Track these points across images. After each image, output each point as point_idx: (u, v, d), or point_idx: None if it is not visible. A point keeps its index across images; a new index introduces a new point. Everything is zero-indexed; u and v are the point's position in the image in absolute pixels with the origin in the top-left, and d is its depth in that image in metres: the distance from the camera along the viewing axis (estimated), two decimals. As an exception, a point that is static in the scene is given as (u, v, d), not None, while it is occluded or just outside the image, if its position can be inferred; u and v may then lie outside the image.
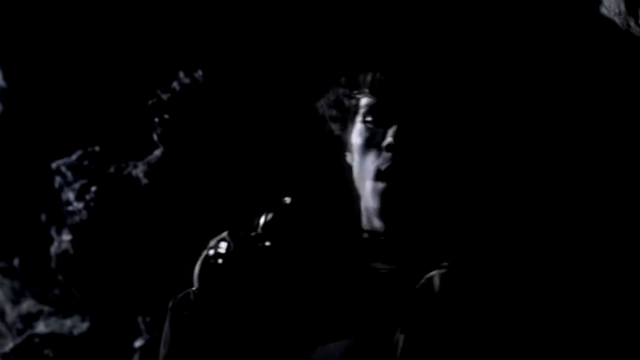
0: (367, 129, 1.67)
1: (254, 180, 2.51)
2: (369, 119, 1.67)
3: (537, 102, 1.90)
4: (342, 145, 1.80)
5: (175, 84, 2.60)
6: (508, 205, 1.70)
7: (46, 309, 2.90)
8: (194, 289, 1.54)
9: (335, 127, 1.84)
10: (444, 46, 1.79)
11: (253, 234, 1.50)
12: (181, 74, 2.62)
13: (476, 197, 1.62)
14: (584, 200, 1.87)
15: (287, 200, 1.54)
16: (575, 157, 1.93)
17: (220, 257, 1.51)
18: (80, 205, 2.69)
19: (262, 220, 1.51)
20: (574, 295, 1.51)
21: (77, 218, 2.71)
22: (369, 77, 1.69)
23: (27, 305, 2.90)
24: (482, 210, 1.63)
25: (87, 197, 2.68)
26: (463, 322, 1.39)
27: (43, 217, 2.89)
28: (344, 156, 1.77)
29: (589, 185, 1.90)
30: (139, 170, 2.62)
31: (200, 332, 1.52)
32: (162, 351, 1.54)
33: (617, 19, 1.74)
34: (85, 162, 2.78)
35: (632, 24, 1.69)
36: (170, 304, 1.57)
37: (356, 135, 1.71)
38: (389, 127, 1.59)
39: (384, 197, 1.55)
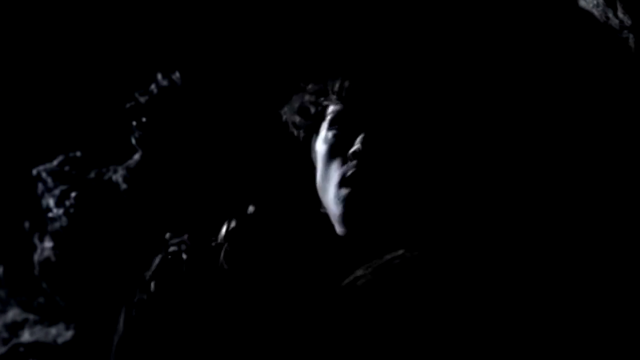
0: (333, 136, 1.66)
1: (229, 185, 2.45)
2: (334, 126, 1.65)
3: (509, 101, 1.85)
4: (307, 152, 1.80)
5: (153, 87, 2.55)
6: (474, 211, 1.67)
7: (31, 317, 2.85)
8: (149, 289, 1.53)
9: (299, 134, 1.81)
10: (411, 53, 1.79)
11: (213, 242, 1.50)
12: (159, 76, 2.57)
13: (441, 203, 1.60)
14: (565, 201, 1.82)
15: (251, 209, 1.52)
16: (554, 154, 1.87)
17: (176, 263, 1.50)
18: (60, 211, 2.64)
19: (224, 228, 1.50)
20: (566, 297, 1.49)
21: (57, 225, 2.67)
22: (337, 85, 1.68)
23: (13, 314, 2.86)
24: (447, 215, 1.61)
25: (67, 203, 2.63)
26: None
27: (27, 224, 2.83)
28: (308, 163, 1.78)
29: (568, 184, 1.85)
30: (118, 175, 2.56)
31: (150, 335, 1.50)
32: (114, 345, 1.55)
33: (595, 11, 1.71)
34: (66, 168, 2.74)
35: (610, 15, 1.67)
36: (124, 305, 1.57)
37: (320, 142, 1.71)
38: (356, 134, 1.59)
39: (348, 204, 1.53)
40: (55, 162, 2.76)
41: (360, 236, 1.55)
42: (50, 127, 2.84)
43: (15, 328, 2.94)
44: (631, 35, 1.67)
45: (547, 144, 1.85)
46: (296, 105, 1.82)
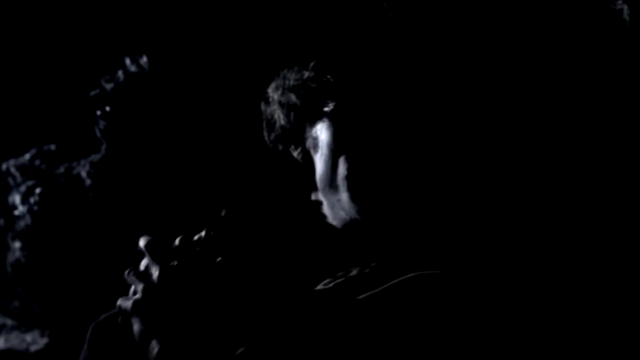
0: (339, 124, 1.50)
1: (200, 180, 2.20)
2: (343, 111, 1.50)
3: (504, 96, 1.79)
4: (293, 140, 1.60)
5: (120, 73, 2.31)
6: (486, 208, 1.61)
7: (9, 322, 2.65)
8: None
9: (288, 117, 1.56)
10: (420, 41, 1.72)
11: (185, 255, 1.33)
12: (127, 61, 2.33)
13: (462, 200, 1.53)
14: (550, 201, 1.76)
15: (223, 213, 1.46)
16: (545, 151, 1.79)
17: (150, 287, 1.31)
18: (25, 209, 2.42)
19: (196, 237, 1.37)
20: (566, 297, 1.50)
21: (22, 223, 2.45)
22: (345, 60, 1.54)
23: None
24: (471, 212, 1.55)
25: (32, 200, 2.41)
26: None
27: (2, 222, 2.63)
28: (296, 153, 1.60)
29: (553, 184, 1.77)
30: (83, 170, 2.33)
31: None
32: None
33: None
34: (37, 162, 2.53)
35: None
36: (92, 325, 1.45)
37: (325, 129, 1.52)
38: (366, 123, 1.47)
39: (362, 189, 1.45)
40: (27, 156, 2.55)
41: (373, 222, 1.46)
42: (25, 119, 2.61)
43: (-7, 333, 2.75)
44: (626, 7, 1.60)
45: (544, 139, 1.79)
46: (291, 82, 1.55)
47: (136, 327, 1.29)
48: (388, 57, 1.54)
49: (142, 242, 1.33)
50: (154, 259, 1.31)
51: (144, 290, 1.29)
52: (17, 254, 2.53)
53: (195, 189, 2.25)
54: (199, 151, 2.25)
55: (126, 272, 1.33)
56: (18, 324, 2.75)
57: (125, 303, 1.31)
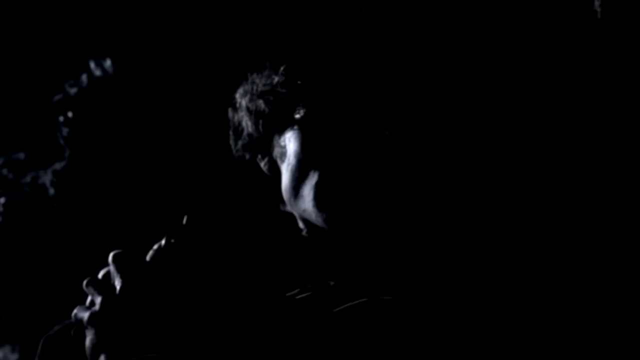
0: (309, 133, 1.44)
1: (165, 187, 2.11)
2: (312, 121, 1.44)
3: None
4: (260, 150, 1.53)
5: (84, 77, 2.22)
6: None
7: None
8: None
9: (257, 124, 1.52)
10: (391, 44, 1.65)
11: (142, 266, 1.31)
12: (92, 65, 2.23)
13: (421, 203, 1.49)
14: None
15: (185, 219, 1.39)
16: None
17: (109, 299, 1.27)
18: (-12, 220, 2.34)
19: (155, 247, 1.35)
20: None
21: (-15, 234, 2.36)
22: (318, 63, 1.47)
23: None
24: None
25: (-5, 211, 2.33)
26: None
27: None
28: (262, 163, 1.54)
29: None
30: (47, 179, 2.24)
31: None
32: None
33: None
34: (4, 171, 2.44)
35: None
36: (43, 338, 1.40)
37: (293, 139, 1.47)
38: (336, 132, 1.42)
39: (332, 199, 1.41)
40: (-5, 165, 2.46)
41: (338, 229, 1.42)
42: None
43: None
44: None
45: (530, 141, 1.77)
46: (259, 87, 1.46)
47: (88, 339, 1.25)
48: (362, 63, 1.49)
49: (110, 255, 1.30)
50: (118, 271, 1.27)
51: (102, 303, 1.25)
52: (-16, 266, 2.44)
53: (160, 195, 2.14)
54: (164, 157, 2.15)
55: (85, 281, 1.29)
56: (-9, 338, 2.66)
57: (82, 314, 1.27)
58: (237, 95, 1.55)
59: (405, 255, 1.45)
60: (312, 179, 1.43)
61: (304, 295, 1.42)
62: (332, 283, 1.43)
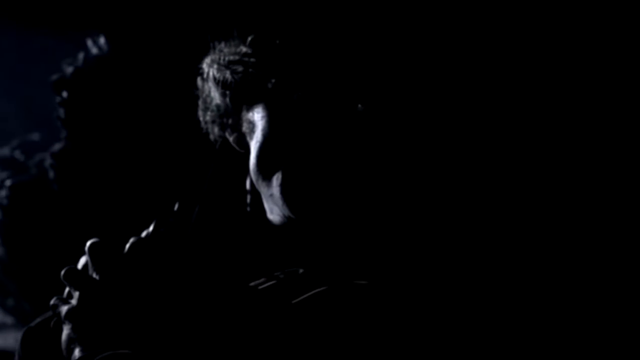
0: (277, 108, 1.35)
1: (161, 173, 2.04)
2: (283, 96, 1.34)
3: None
4: (229, 123, 1.41)
5: (80, 56, 2.16)
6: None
7: (9, 320, 2.57)
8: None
9: (222, 96, 1.42)
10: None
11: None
12: (89, 43, 2.17)
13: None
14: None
15: (177, 206, 1.35)
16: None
17: (87, 294, 1.21)
18: (-5, 203, 2.32)
19: (143, 235, 1.29)
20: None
21: (-2, 218, 2.35)
22: (293, 37, 1.36)
23: None
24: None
25: (2, 193, 2.30)
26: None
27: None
28: (232, 138, 1.42)
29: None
30: (47, 163, 2.20)
31: None
32: None
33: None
34: (17, 153, 2.41)
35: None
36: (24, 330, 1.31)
37: (260, 113, 1.37)
38: (307, 110, 1.33)
39: (299, 185, 1.30)
40: (9, 147, 2.44)
41: (306, 219, 1.32)
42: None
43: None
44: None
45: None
46: (226, 57, 1.38)
47: (64, 334, 1.19)
48: (335, 33, 1.40)
49: (87, 245, 1.22)
50: (94, 263, 1.20)
51: (79, 298, 1.19)
52: (0, 249, 2.43)
53: (157, 176, 2.06)
54: (160, 137, 2.06)
55: (63, 272, 1.21)
56: (16, 322, 2.65)
57: (60, 307, 1.21)
58: (205, 65, 1.44)
59: (376, 244, 1.37)
60: (279, 163, 1.34)
61: (268, 284, 1.32)
62: (301, 271, 1.33)
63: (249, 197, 1.48)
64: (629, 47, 1.63)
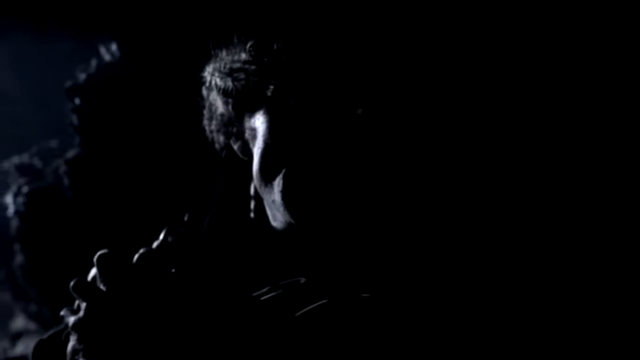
0: (278, 114, 1.34)
1: (173, 181, 2.03)
2: (283, 102, 1.33)
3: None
4: (233, 131, 1.42)
5: (93, 63, 2.14)
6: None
7: (32, 326, 2.57)
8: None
9: (225, 104, 1.42)
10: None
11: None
12: (102, 49, 2.16)
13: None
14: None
15: (187, 217, 1.38)
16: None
17: (94, 306, 1.20)
18: (13, 209, 2.31)
19: (154, 246, 1.29)
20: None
21: (15, 224, 2.34)
22: (286, 42, 1.35)
23: (19, 322, 2.60)
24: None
25: (19, 200, 2.29)
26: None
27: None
28: (236, 146, 1.43)
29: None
30: (62, 169, 2.19)
31: None
32: None
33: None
34: (35, 159, 2.41)
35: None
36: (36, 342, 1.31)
37: (261, 119, 1.36)
38: (306, 115, 1.31)
39: (299, 191, 1.29)
40: (27, 154, 2.44)
41: (307, 225, 1.31)
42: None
43: (17, 338, 2.68)
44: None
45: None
46: (227, 64, 1.36)
47: (70, 345, 1.19)
48: (334, 38, 1.37)
49: (95, 256, 1.22)
50: (102, 275, 1.19)
51: (86, 310, 1.18)
52: (19, 256, 2.42)
53: (168, 183, 2.04)
54: (172, 144, 2.05)
55: (72, 283, 1.20)
56: (39, 328, 2.65)
57: (68, 317, 1.21)
58: (207, 73, 1.43)
59: (378, 253, 1.35)
60: (281, 169, 1.32)
61: (272, 294, 1.30)
62: (302, 280, 1.32)
63: (252, 204, 1.47)
64: (629, 47, 1.60)
